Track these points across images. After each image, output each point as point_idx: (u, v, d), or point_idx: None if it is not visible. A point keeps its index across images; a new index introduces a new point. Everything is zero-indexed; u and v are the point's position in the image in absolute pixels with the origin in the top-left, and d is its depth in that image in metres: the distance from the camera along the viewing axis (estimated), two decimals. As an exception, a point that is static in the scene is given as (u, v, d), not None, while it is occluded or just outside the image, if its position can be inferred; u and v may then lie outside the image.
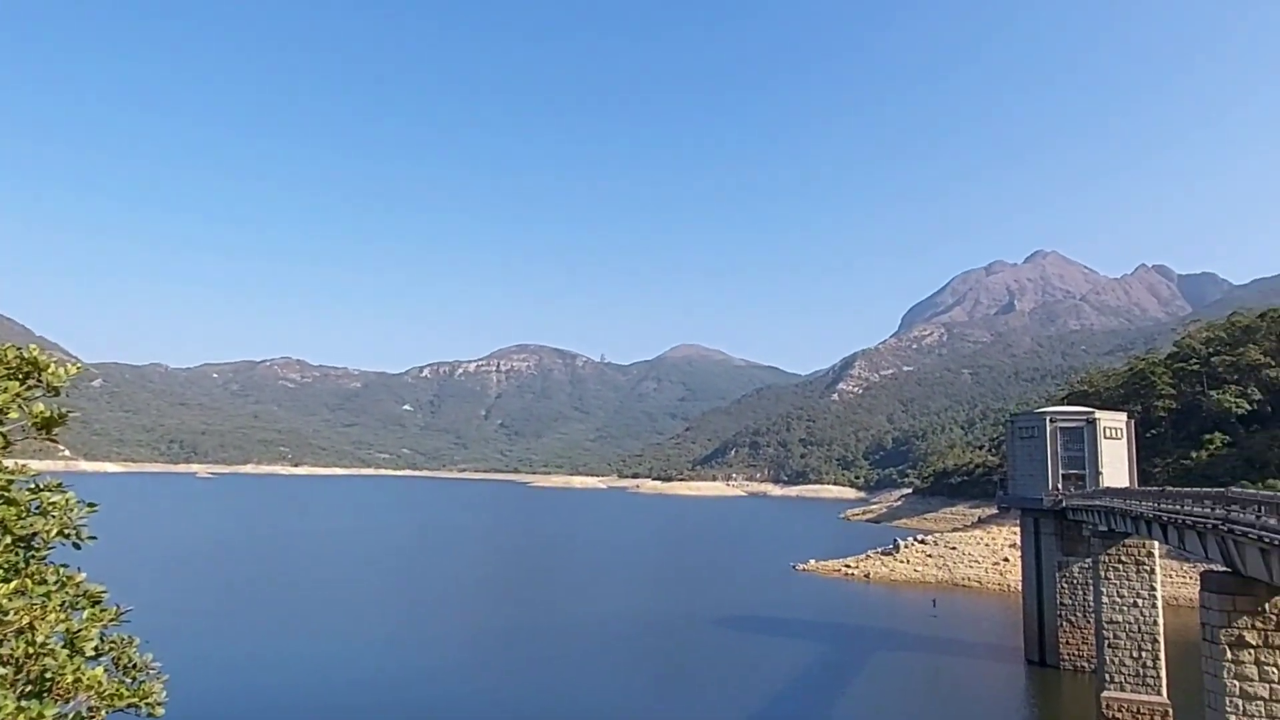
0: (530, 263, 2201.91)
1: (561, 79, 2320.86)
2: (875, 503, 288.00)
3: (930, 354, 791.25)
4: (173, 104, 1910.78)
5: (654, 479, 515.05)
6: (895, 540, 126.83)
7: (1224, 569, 28.55)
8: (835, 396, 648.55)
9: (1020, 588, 73.42)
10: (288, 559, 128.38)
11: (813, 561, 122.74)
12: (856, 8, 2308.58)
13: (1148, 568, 50.92)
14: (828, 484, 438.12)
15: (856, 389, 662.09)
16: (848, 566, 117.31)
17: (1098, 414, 74.71)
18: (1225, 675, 26.59)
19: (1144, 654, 49.02)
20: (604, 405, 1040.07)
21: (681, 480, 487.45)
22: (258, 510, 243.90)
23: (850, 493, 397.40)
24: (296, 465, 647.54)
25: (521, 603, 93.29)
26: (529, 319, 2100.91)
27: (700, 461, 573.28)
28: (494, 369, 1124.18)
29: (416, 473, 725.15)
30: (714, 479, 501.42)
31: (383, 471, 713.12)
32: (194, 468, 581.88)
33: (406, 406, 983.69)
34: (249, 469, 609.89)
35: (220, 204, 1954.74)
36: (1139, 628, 49.60)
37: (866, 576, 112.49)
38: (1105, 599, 50.91)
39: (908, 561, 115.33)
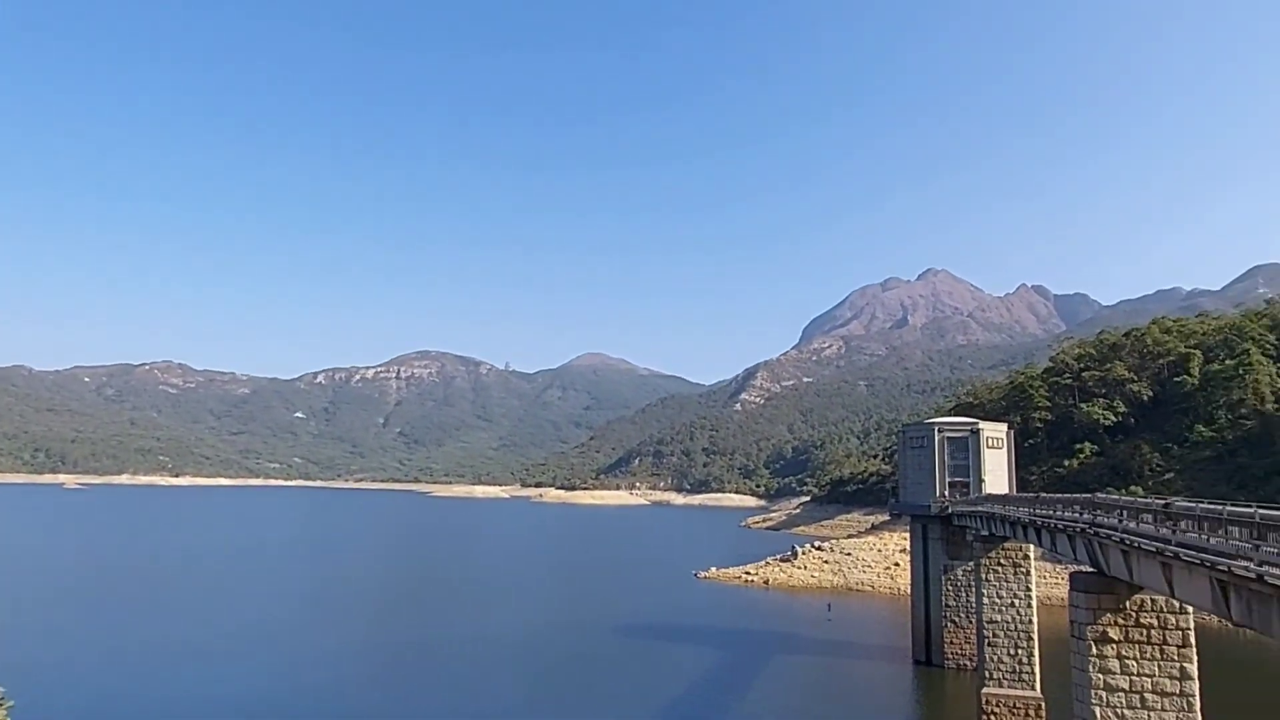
0: (433, 267, 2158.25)
1: (466, 80, 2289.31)
2: (775, 511, 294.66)
3: (829, 366, 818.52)
4: (41, 91, 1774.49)
5: (558, 488, 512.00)
6: (793, 547, 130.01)
7: (1090, 570, 30.36)
8: (738, 406, 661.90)
9: (909, 591, 76.43)
10: (162, 576, 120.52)
11: (714, 569, 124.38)
12: (766, 33, 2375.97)
13: (1024, 570, 53.82)
14: (730, 493, 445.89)
15: (758, 399, 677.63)
16: (748, 573, 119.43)
17: (981, 425, 78.70)
18: (1091, 669, 28.23)
19: (1020, 651, 51.73)
20: (508, 413, 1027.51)
21: (585, 489, 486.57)
22: (130, 524, 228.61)
23: (751, 501, 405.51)
24: (177, 475, 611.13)
25: (418, 617, 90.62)
26: (431, 325, 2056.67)
27: (604, 470, 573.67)
28: (393, 375, 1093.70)
29: (309, 483, 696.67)
30: (618, 488, 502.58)
31: (273, 482, 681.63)
32: (61, 478, 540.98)
33: (299, 414, 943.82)
34: (124, 479, 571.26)
35: (92, 192, 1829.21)
36: (1016, 627, 52.33)
37: (766, 583, 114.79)
38: (986, 600, 53.49)
39: (805, 568, 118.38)
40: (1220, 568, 20.33)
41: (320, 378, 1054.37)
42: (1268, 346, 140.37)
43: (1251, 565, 18.72)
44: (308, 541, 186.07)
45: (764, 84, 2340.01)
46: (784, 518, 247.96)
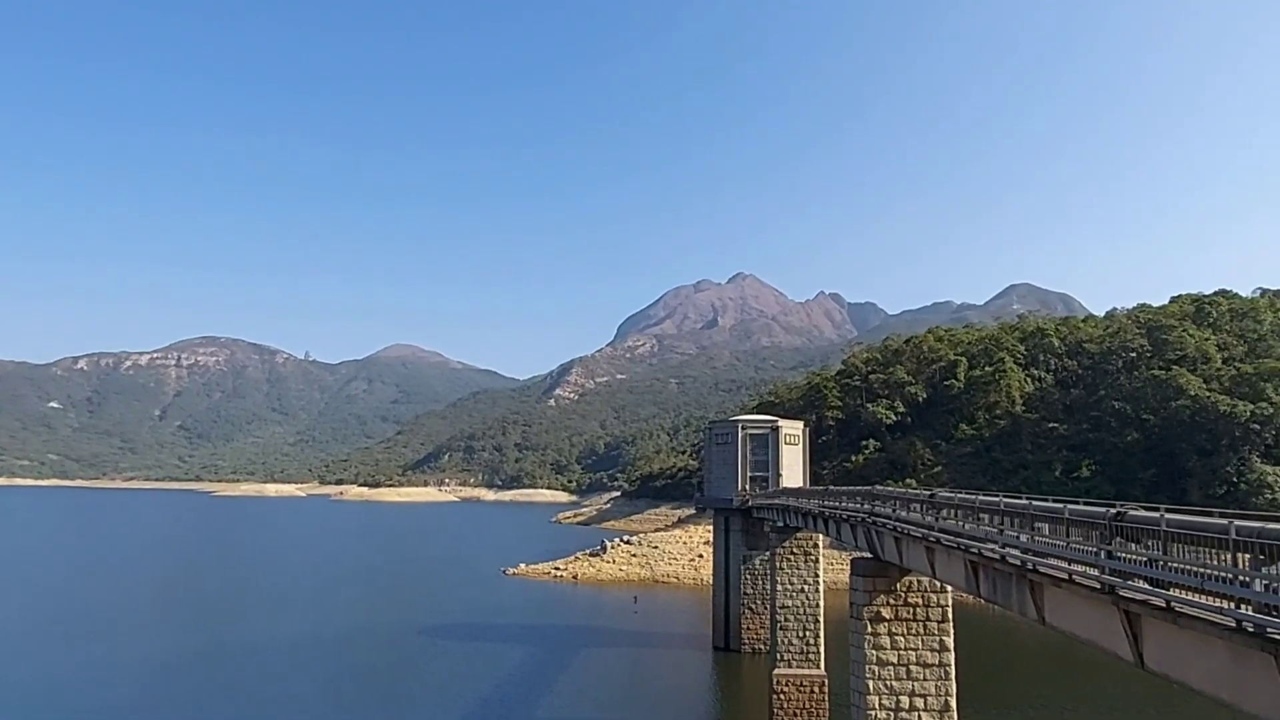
0: (223, 245, 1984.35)
1: (281, 51, 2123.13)
2: (586, 506, 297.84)
3: (642, 364, 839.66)
4: None
5: (361, 485, 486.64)
6: (603, 541, 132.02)
7: (869, 555, 33.15)
8: (552, 402, 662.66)
9: (712, 581, 79.94)
10: None
11: (523, 565, 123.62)
12: (598, 22, 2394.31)
13: (814, 557, 57.95)
14: (542, 488, 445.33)
15: (573, 395, 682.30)
16: (557, 569, 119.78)
17: (781, 423, 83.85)
18: (866, 646, 30.83)
19: (808, 633, 55.62)
20: (307, 407, 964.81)
21: (391, 486, 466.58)
22: None
23: (563, 496, 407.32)
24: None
25: (204, 626, 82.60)
26: (219, 308, 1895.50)
27: (412, 466, 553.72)
28: (173, 363, 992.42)
29: (68, 482, 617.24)
30: (426, 484, 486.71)
31: (22, 481, 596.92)
32: None
33: (54, 404, 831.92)
34: None
35: None
36: (805, 611, 56.21)
37: (574, 578, 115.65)
38: (779, 587, 57.06)
39: (613, 561, 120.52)
40: (972, 550, 22.81)
41: (82, 363, 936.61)
42: (1019, 356, 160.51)
43: (996, 548, 21.15)
44: (68, 547, 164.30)
45: (587, 76, 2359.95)
46: (595, 513, 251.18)
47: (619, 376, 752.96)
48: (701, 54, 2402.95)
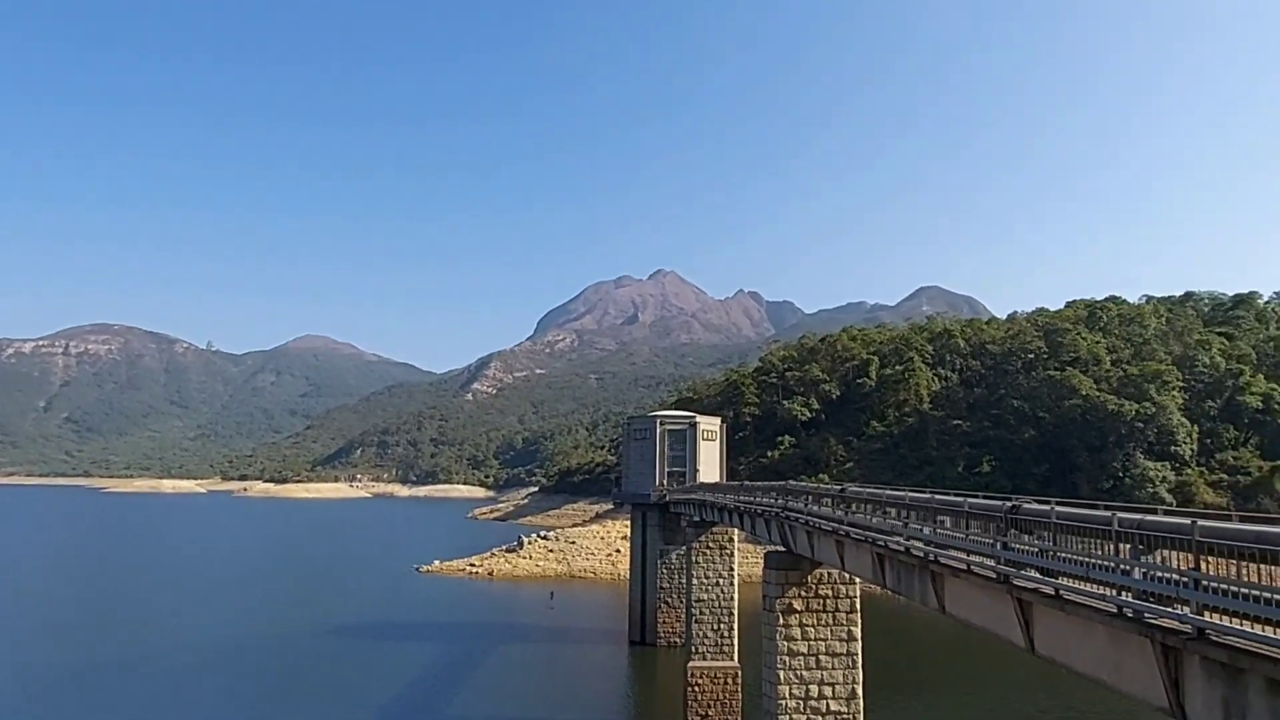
0: (118, 223, 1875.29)
1: (171, 26, 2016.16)
2: (503, 501, 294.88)
3: (562, 359, 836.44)
4: None
5: (266, 481, 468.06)
6: (519, 537, 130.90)
7: (782, 549, 33.90)
8: (469, 396, 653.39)
9: (629, 575, 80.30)
10: None
11: (437, 563, 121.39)
12: (527, 17, 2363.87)
13: (729, 551, 58.95)
14: (458, 484, 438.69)
15: (491, 389, 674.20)
16: (472, 565, 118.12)
17: (698, 418, 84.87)
18: (778, 637, 31.53)
19: (722, 626, 56.57)
20: (210, 399, 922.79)
21: (299, 482, 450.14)
22: None
23: (480, 492, 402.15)
24: None
25: (93, 633, 77.70)
26: (112, 293, 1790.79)
27: (322, 462, 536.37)
28: (60, 351, 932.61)
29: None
30: (337, 480, 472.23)
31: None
32: None
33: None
34: None
35: None
36: (720, 604, 57.13)
37: (490, 574, 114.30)
38: (695, 581, 57.81)
39: (530, 557, 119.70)
40: (879, 543, 23.60)
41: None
42: (927, 356, 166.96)
43: (902, 540, 21.95)
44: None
45: (508, 69, 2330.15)
46: (512, 508, 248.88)
47: (538, 371, 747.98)
48: (626, 47, 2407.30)
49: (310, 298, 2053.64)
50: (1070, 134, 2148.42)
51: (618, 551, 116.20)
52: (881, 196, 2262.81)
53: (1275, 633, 10.19)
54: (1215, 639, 11.07)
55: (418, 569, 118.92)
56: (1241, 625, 10.69)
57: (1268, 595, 10.34)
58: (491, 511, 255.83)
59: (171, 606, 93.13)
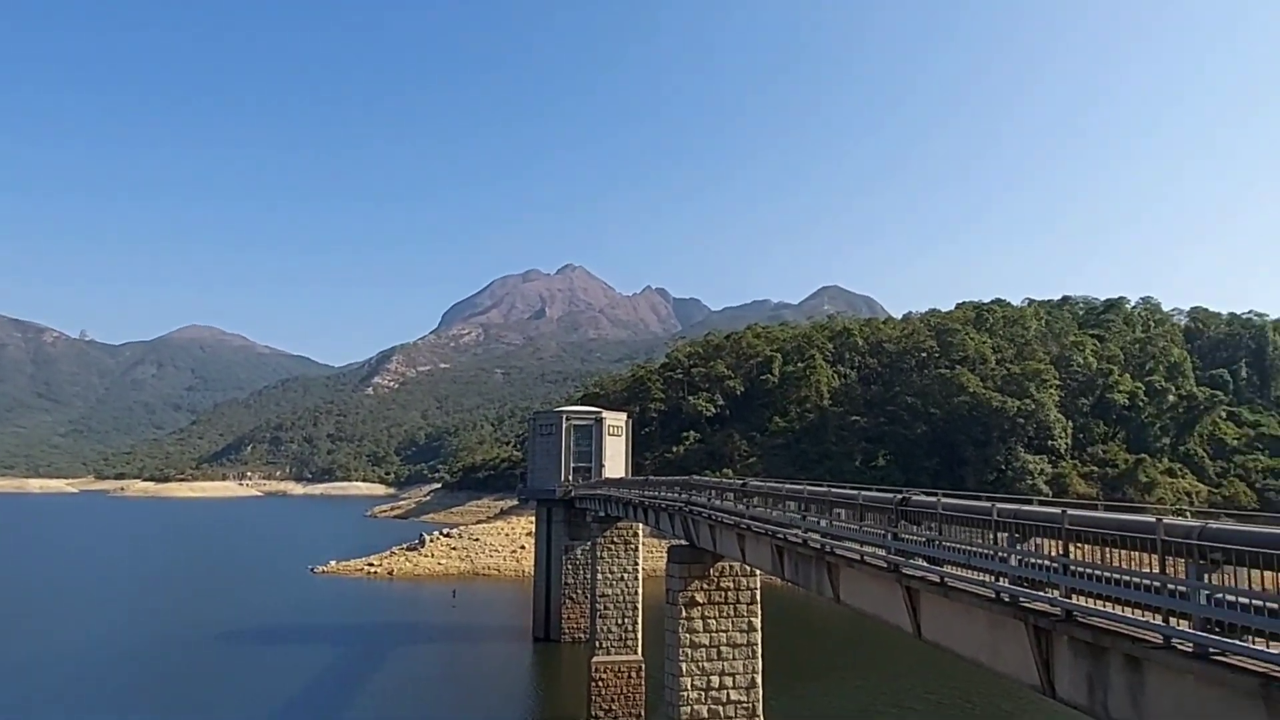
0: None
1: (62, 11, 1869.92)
2: (405, 499, 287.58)
3: (467, 353, 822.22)
4: None
5: (146, 480, 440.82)
6: (421, 535, 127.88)
7: (685, 543, 34.33)
8: (370, 391, 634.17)
9: (533, 572, 79.68)
10: None
11: (333, 563, 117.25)
12: (441, 11, 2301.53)
13: (633, 546, 59.29)
14: (356, 481, 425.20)
15: (393, 383, 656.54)
16: (371, 565, 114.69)
17: (605, 414, 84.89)
18: (681, 630, 31.95)
19: (626, 620, 56.86)
20: (83, 393, 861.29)
21: (183, 480, 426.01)
22: None
23: (380, 489, 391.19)
24: None
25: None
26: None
27: (209, 459, 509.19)
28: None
29: None
30: (225, 478, 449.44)
31: None
32: None
33: None
34: None
35: None
36: (624, 598, 57.41)
37: (390, 574, 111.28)
38: (600, 576, 57.91)
39: (432, 555, 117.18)
40: (778, 536, 24.19)
41: None
42: (828, 353, 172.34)
43: (800, 533, 22.56)
44: None
45: (420, 43, 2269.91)
46: (414, 505, 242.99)
47: (442, 365, 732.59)
48: (536, 39, 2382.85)
49: (196, 286, 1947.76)
50: (959, 143, 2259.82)
51: (522, 548, 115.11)
52: (786, 198, 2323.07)
53: (1133, 613, 10.99)
54: (1081, 620, 11.84)
55: (312, 570, 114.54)
56: (1104, 607, 11.49)
57: (1127, 579, 11.14)
58: (392, 509, 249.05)
59: (41, 616, 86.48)
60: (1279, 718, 8.72)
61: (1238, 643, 9.30)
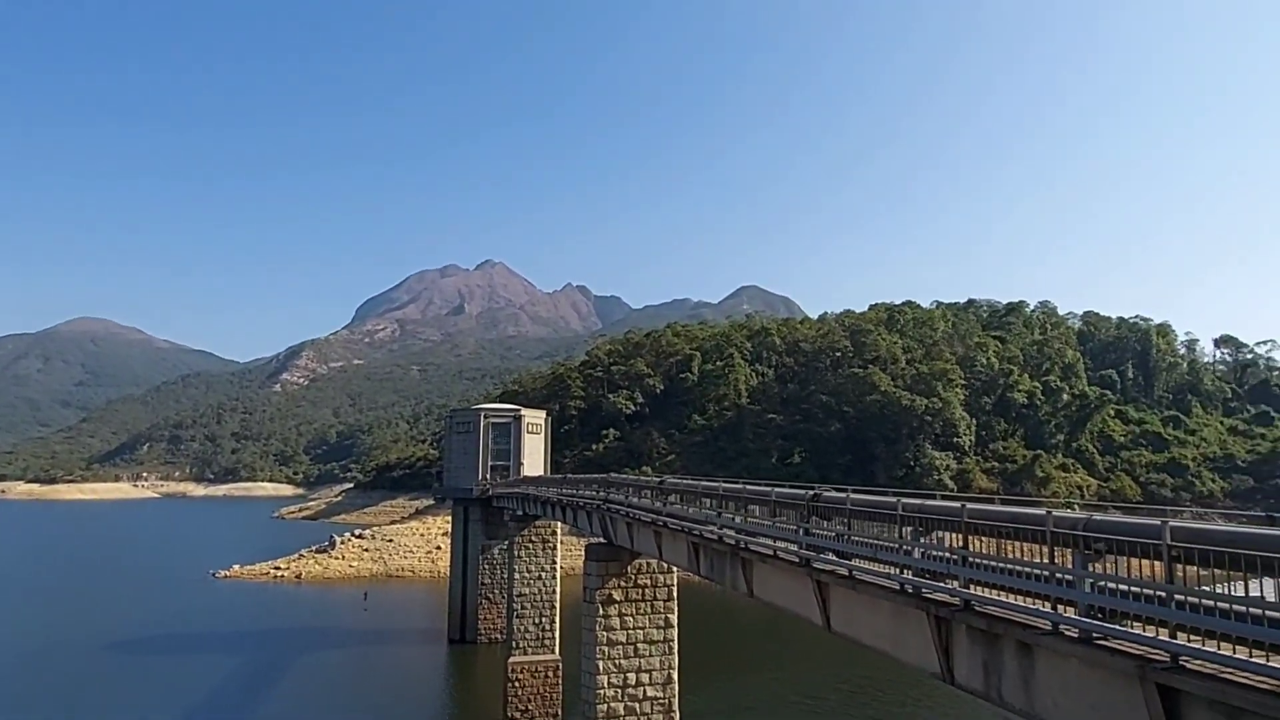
0: None
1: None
2: (314, 499, 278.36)
3: (382, 349, 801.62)
4: None
5: (29, 481, 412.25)
6: (331, 537, 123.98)
7: (603, 541, 34.35)
8: (278, 387, 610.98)
9: (449, 573, 78.30)
10: None
11: (237, 566, 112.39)
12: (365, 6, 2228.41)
13: (551, 545, 58.93)
14: (263, 481, 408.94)
15: (302, 380, 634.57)
16: (277, 569, 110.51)
17: (524, 412, 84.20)
18: (598, 628, 31.94)
19: (544, 619, 56.50)
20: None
21: (72, 482, 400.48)
22: None
23: (288, 490, 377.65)
24: None
25: None
26: None
27: (101, 459, 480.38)
28: None
29: None
30: (118, 479, 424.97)
31: None
32: None
33: None
34: None
35: None
36: (541, 598, 57.01)
37: (298, 577, 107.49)
38: (517, 575, 57.33)
39: (343, 558, 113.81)
40: (694, 532, 24.47)
41: None
42: (746, 352, 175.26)
43: (715, 529, 22.87)
44: None
45: (341, 33, 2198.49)
46: (324, 506, 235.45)
47: (356, 361, 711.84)
48: (456, 36, 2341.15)
49: (86, 275, 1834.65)
50: (876, 149, 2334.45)
51: (438, 548, 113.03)
52: (706, 197, 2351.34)
53: (1025, 602, 11.57)
54: (978, 609, 12.39)
55: (214, 575, 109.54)
56: (1000, 596, 12.06)
57: (1020, 569, 11.72)
58: (301, 510, 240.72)
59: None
60: (1152, 695, 9.34)
61: (1118, 627, 9.92)
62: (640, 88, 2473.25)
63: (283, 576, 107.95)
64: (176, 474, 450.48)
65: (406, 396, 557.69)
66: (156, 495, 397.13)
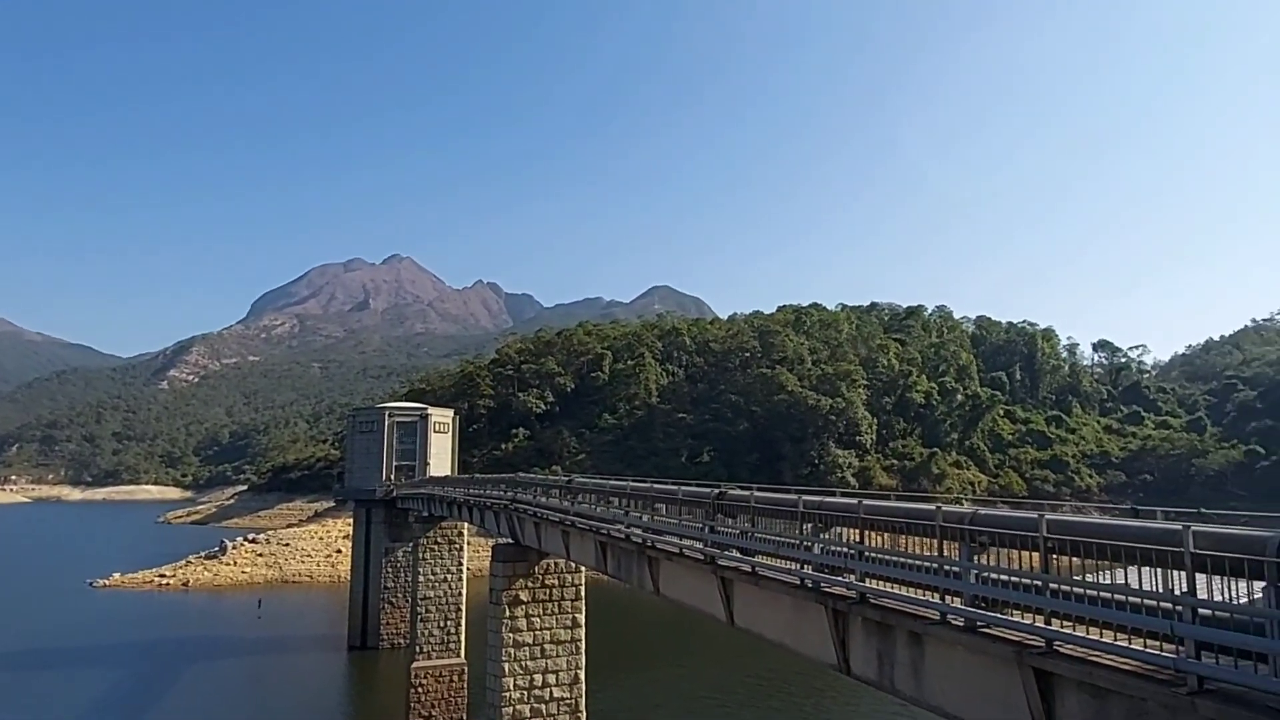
0: None
1: None
2: (204, 502, 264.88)
3: (281, 345, 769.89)
4: None
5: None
6: (222, 542, 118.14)
7: (510, 541, 33.95)
8: (164, 385, 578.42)
9: (350, 577, 75.82)
10: None
11: (117, 575, 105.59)
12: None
13: (458, 546, 57.83)
14: (147, 484, 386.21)
15: (192, 377, 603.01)
16: (163, 576, 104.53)
17: (430, 410, 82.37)
18: (504, 630, 31.55)
19: (449, 623, 55.40)
20: None
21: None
22: None
23: (175, 493, 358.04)
24: None
25: None
26: None
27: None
28: None
29: None
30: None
31: None
32: None
33: None
34: None
35: None
36: (447, 600, 55.87)
37: (185, 585, 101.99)
38: (422, 578, 56.01)
39: (235, 563, 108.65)
40: (602, 532, 24.47)
41: None
42: (657, 352, 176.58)
43: (623, 528, 22.93)
44: None
45: (243, 18, 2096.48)
46: (215, 510, 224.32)
47: (251, 358, 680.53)
48: (370, 24, 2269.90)
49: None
50: (789, 156, 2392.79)
51: (339, 552, 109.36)
52: (620, 198, 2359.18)
53: (916, 594, 12.06)
54: (873, 602, 12.85)
55: (91, 584, 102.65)
56: (894, 589, 12.54)
57: (912, 562, 12.22)
58: (189, 515, 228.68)
59: None
60: (1029, 678, 9.91)
61: (999, 616, 10.48)
62: (553, 86, 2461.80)
63: (168, 584, 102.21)
64: (50, 477, 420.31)
65: (306, 395, 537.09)
66: (26, 500, 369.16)
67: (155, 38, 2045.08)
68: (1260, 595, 7.77)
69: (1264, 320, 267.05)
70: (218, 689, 58.53)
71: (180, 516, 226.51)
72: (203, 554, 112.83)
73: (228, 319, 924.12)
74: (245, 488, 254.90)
